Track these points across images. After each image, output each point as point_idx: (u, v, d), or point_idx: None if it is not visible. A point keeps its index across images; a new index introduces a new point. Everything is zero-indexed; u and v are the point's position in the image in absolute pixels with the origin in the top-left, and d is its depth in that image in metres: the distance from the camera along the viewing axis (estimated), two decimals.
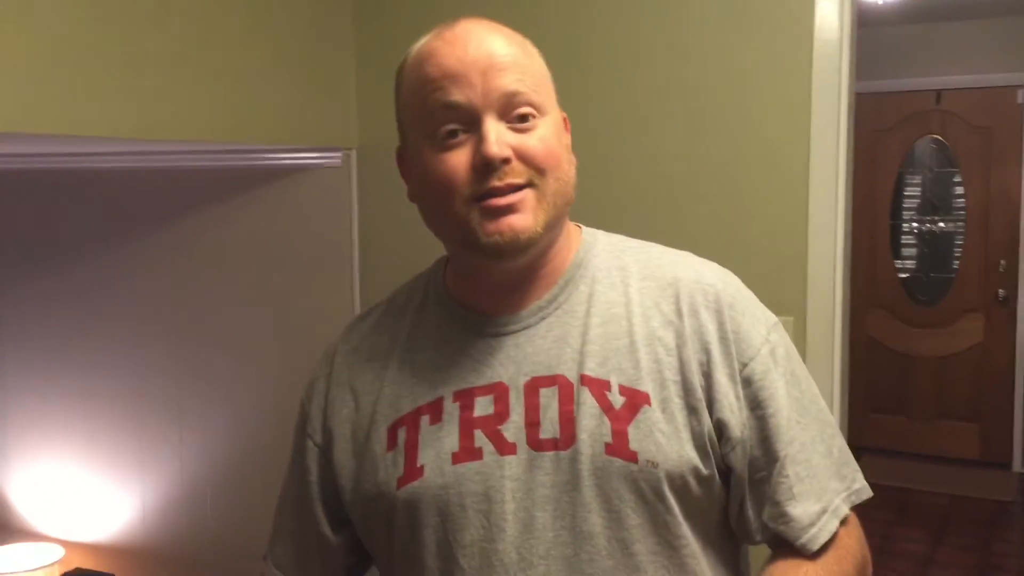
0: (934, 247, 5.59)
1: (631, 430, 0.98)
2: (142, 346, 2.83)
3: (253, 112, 2.18)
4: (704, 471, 1.00)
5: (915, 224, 5.64)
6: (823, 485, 1.03)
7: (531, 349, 1.03)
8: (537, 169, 0.98)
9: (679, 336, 1.02)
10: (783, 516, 1.01)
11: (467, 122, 0.98)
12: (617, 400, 0.99)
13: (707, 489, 1.01)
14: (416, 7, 2.45)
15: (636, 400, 0.99)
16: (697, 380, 1.00)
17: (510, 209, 0.97)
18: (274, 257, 2.62)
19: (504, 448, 0.99)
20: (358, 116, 2.50)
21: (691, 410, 1.00)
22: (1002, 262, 5.30)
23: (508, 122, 0.98)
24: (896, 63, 5.36)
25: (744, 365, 1.02)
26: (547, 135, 1.00)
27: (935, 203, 5.57)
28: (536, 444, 0.99)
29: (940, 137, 5.45)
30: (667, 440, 0.98)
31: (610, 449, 0.97)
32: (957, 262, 5.47)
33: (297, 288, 2.59)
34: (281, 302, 2.62)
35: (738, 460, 1.01)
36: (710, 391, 1.00)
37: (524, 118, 0.99)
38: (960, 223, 5.47)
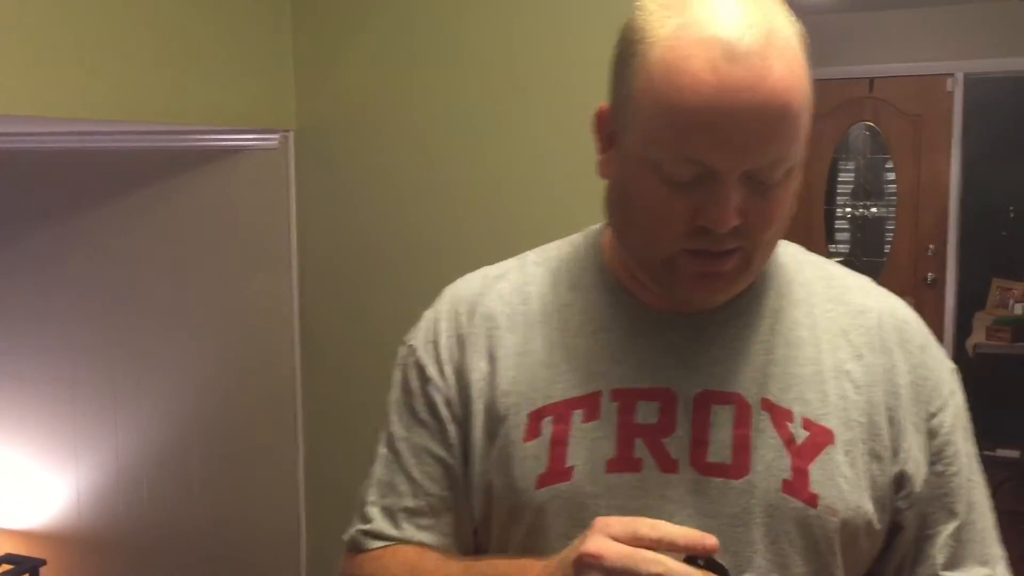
0: (867, 231, 5.72)
1: (813, 470, 0.87)
2: (76, 330, 2.78)
3: (185, 91, 2.15)
4: (876, 526, 0.90)
5: (849, 209, 5.76)
6: (988, 551, 0.95)
7: (706, 358, 0.91)
8: (756, 239, 0.85)
9: (869, 373, 0.92)
10: None
11: (706, 172, 0.80)
12: (800, 434, 0.88)
13: (871, 546, 0.92)
14: None
15: (820, 438, 0.89)
16: (884, 426, 0.91)
17: (715, 274, 0.86)
18: (210, 241, 2.59)
19: (667, 464, 0.88)
20: (296, 97, 2.48)
21: (875, 457, 0.90)
22: (931, 246, 5.44)
23: (752, 177, 0.81)
24: (830, 51, 5.45)
25: (932, 415, 0.93)
26: (785, 196, 0.84)
27: (868, 188, 5.69)
28: (702, 466, 0.88)
29: (873, 124, 5.57)
30: (849, 487, 0.88)
31: (788, 487, 0.87)
32: (888, 246, 5.61)
33: (234, 272, 2.57)
34: (218, 286, 2.60)
35: (911, 518, 0.92)
36: (896, 440, 0.91)
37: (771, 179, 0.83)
38: (892, 208, 5.60)
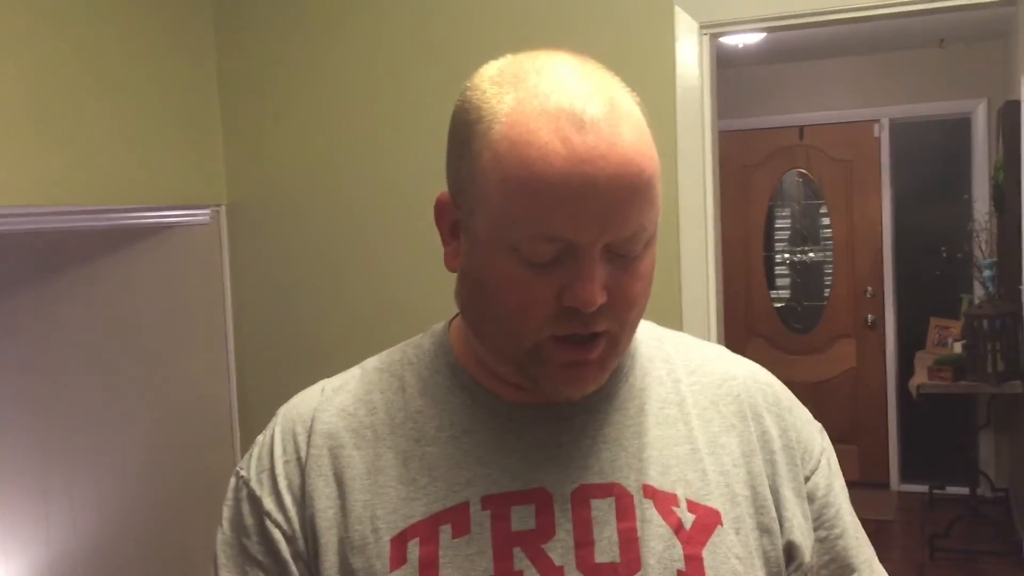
0: (806, 276, 5.79)
1: (706, 555, 0.82)
2: (3, 423, 2.66)
3: (113, 172, 2.10)
4: None
5: (787, 255, 5.83)
6: None
7: (578, 450, 0.84)
8: (622, 319, 0.81)
9: (745, 443, 0.88)
10: None
11: (566, 248, 0.76)
12: (687, 518, 0.83)
13: None
14: (280, 59, 2.41)
15: (708, 519, 0.84)
16: (768, 496, 0.87)
17: (585, 363, 0.81)
18: (142, 322, 2.52)
19: (551, 573, 0.80)
20: (225, 172, 2.44)
21: (764, 531, 0.86)
22: (868, 288, 5.52)
23: (612, 251, 0.78)
24: (760, 101, 5.57)
25: (807, 478, 0.90)
26: (646, 271, 0.81)
27: (804, 234, 5.78)
28: (590, 569, 0.80)
29: (805, 171, 5.68)
30: (744, 568, 0.83)
31: None
32: (828, 290, 5.68)
33: (168, 355, 2.49)
34: (152, 369, 2.52)
35: None
36: (779, 509, 0.87)
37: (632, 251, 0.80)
38: (828, 252, 5.69)
